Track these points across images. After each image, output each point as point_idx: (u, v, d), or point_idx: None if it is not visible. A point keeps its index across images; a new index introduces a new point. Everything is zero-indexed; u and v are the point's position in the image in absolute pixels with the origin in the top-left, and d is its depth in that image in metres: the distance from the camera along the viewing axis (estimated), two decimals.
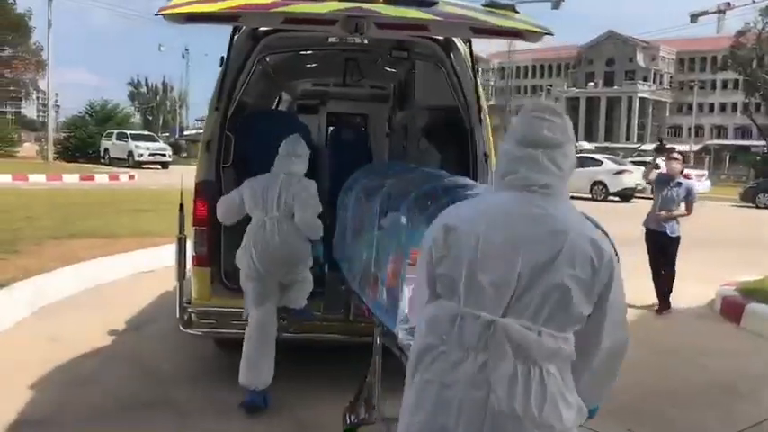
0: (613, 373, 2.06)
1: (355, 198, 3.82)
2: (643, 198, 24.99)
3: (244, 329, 4.46)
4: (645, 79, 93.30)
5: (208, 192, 4.48)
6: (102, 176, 25.25)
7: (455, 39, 4.67)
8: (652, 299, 7.50)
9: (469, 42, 4.63)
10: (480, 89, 4.69)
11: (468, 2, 3.52)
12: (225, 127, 4.54)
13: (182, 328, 4.50)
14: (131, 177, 26.36)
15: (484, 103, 4.68)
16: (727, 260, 10.70)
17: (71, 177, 23.81)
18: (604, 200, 23.74)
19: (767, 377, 5.25)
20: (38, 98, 73.93)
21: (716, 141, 74.36)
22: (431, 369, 1.93)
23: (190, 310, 4.48)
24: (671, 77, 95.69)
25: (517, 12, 3.47)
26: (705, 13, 33.93)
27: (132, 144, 35.38)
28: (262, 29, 4.55)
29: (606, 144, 79.40)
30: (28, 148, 48.49)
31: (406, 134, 6.90)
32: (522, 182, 1.94)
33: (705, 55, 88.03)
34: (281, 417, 4.17)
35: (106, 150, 36.96)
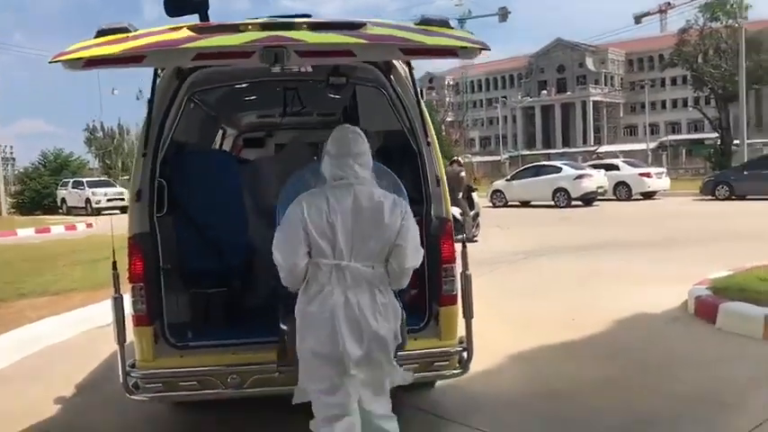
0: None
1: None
2: (605, 200, 25.22)
3: (194, 390, 4.14)
4: (596, 83, 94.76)
5: (143, 245, 4.14)
6: (58, 227, 24.60)
7: (394, 60, 4.43)
8: (632, 307, 7.36)
9: (409, 63, 4.40)
10: (425, 111, 4.45)
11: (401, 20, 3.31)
12: (155, 173, 4.22)
13: (127, 395, 4.14)
14: (89, 225, 25.69)
15: (430, 126, 4.43)
16: (693, 257, 10.66)
17: (26, 231, 23.15)
18: (567, 205, 23.76)
19: (749, 382, 5.04)
20: None
21: (671, 137, 75.61)
22: (315, 302, 3.13)
23: (134, 374, 4.12)
24: (621, 78, 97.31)
25: (451, 27, 3.24)
26: (647, 14, 34.60)
27: (89, 191, 34.72)
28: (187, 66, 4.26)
29: (564, 150, 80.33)
30: None
31: None
32: (344, 180, 3.17)
33: (652, 54, 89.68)
34: None
35: (63, 200, 36.24)
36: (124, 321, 4.09)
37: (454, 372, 4.34)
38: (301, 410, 4.50)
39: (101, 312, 8.13)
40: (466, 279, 4.23)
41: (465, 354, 4.31)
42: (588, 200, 24.26)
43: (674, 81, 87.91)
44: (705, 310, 6.79)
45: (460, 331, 4.34)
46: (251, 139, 7.59)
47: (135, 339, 4.18)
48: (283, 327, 3.73)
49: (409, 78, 4.39)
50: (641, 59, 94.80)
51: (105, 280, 10.07)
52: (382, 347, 3.18)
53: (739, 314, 6.31)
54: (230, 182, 4.81)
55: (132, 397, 4.13)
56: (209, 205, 4.62)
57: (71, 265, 12.58)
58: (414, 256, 3.20)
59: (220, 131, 7.06)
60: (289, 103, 5.77)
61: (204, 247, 4.66)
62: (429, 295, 4.32)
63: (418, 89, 4.39)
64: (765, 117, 74.94)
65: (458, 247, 4.29)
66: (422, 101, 4.45)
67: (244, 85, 5.28)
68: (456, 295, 4.31)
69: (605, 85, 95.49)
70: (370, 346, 3.13)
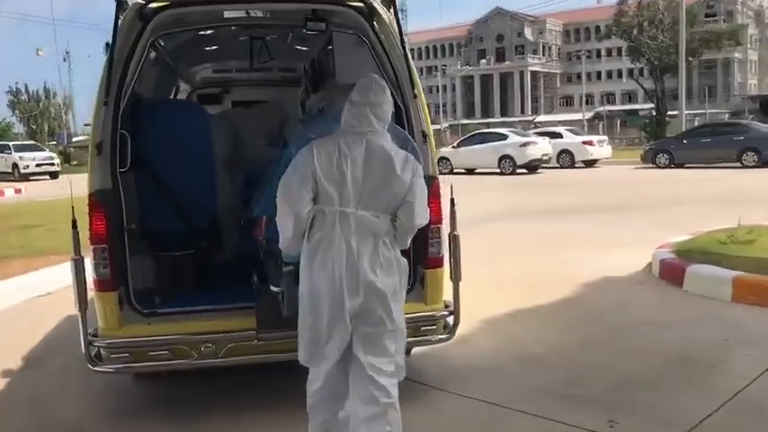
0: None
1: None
2: (548, 168, 25.48)
3: (165, 361, 3.83)
4: (534, 52, 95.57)
5: (105, 202, 3.76)
6: None
7: (378, 6, 4.13)
8: (595, 271, 7.33)
9: (395, 9, 4.10)
10: (411, 61, 4.17)
11: None
12: (118, 124, 3.83)
13: (90, 366, 3.79)
14: (18, 191, 24.56)
15: (416, 78, 4.16)
16: (645, 222, 10.89)
17: None
18: (513, 173, 23.89)
19: (726, 343, 5.03)
20: None
21: (606, 108, 77.04)
22: (320, 250, 3.05)
23: (97, 343, 3.77)
24: (559, 49, 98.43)
25: None
26: None
27: (16, 156, 33.11)
28: (150, 6, 3.87)
29: (502, 119, 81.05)
30: None
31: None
32: (357, 128, 3.11)
33: (589, 25, 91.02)
34: None
35: None
36: (86, 286, 3.72)
37: (440, 337, 4.17)
38: (274, 382, 4.27)
39: (41, 280, 7.72)
40: (454, 240, 4.03)
41: (451, 318, 4.13)
42: (533, 167, 24.43)
43: (609, 52, 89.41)
44: (671, 272, 6.79)
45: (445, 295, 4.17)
46: (206, 96, 7.14)
47: (97, 306, 3.83)
48: (275, 288, 3.47)
49: (394, 25, 4.10)
50: (578, 30, 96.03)
51: (42, 246, 9.72)
52: (380, 301, 3.09)
53: (707, 277, 6.31)
54: (199, 136, 4.45)
55: (95, 368, 3.79)
56: (176, 161, 4.27)
57: (4, 231, 11.89)
58: (422, 214, 3.20)
59: (174, 87, 6.59)
60: (256, 54, 5.40)
61: (171, 206, 4.32)
62: (414, 257, 4.09)
63: (404, 37, 4.10)
64: (695, 89, 77.12)
65: None
66: (408, 50, 4.17)
67: (209, 32, 4.89)
68: (442, 257, 4.13)
69: (543, 55, 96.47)
70: (367, 298, 3.06)
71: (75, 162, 48.00)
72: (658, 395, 4.12)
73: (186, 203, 4.36)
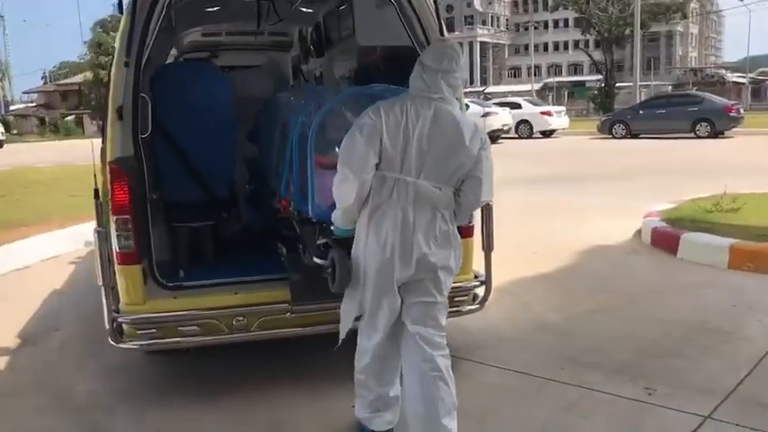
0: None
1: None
2: (509, 138, 25.65)
3: (194, 336, 3.65)
4: (483, 23, 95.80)
5: (127, 171, 3.53)
6: None
7: None
8: (585, 240, 7.38)
9: None
10: (444, 27, 4.04)
11: None
12: (139, 87, 3.60)
13: (112, 343, 3.59)
14: None
15: None
16: (618, 191, 11.09)
17: None
18: None
19: (734, 309, 5.10)
20: None
21: (554, 79, 77.98)
22: (374, 218, 2.93)
23: (121, 319, 3.57)
24: (507, 20, 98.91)
25: None
26: None
27: None
28: None
29: None
30: None
31: (320, 84, 6.13)
32: (426, 94, 2.97)
33: None
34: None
35: None
36: (110, 259, 3.52)
37: (470, 308, 4.10)
38: (300, 355, 4.15)
39: (16, 253, 7.38)
40: (486, 208, 3.95)
41: (481, 289, 4.07)
42: (494, 137, 24.50)
43: (555, 24, 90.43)
44: (664, 240, 6.87)
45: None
46: (191, 61, 6.82)
47: (120, 280, 3.62)
48: (319, 261, 3.32)
49: None
50: (526, 1, 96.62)
51: (9, 218, 9.26)
52: (431, 274, 3.00)
53: (703, 244, 6.40)
54: (221, 100, 4.22)
55: (120, 345, 3.60)
56: (197, 126, 4.05)
57: None
58: (489, 190, 3.08)
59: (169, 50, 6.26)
60: (263, 16, 5.16)
61: (191, 175, 4.10)
62: None
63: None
64: (640, 61, 78.63)
65: None
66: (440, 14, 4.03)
67: None
68: (473, 227, 4.05)
69: (492, 25, 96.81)
70: (418, 270, 2.96)
71: (15, 131, 46.19)
72: (685, 362, 4.14)
73: (207, 172, 4.16)
